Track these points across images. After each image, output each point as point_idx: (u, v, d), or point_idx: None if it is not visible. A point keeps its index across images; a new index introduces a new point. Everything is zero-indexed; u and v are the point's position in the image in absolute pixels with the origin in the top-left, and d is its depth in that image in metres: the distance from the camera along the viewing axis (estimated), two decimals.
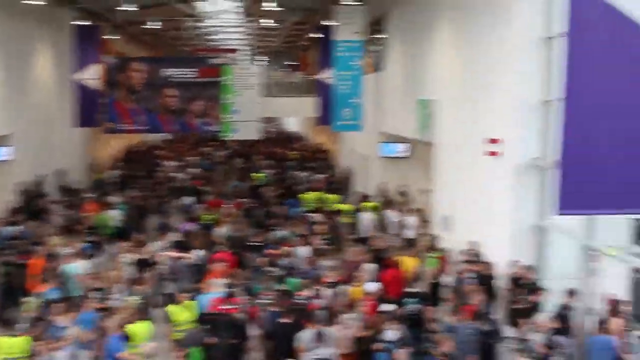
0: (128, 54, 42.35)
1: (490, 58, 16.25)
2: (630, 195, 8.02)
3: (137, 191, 26.34)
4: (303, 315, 11.69)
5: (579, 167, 7.97)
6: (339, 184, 31.16)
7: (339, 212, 22.72)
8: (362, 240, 19.28)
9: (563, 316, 12.26)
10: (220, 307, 12.21)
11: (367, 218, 21.71)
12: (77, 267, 15.42)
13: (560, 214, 8.05)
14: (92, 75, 30.80)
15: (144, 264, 15.88)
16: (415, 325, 12.87)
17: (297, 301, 12.75)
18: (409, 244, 17.78)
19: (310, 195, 25.20)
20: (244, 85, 32.42)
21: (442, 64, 20.25)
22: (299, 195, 25.46)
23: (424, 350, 13.11)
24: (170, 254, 16.60)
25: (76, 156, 34.60)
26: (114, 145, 45.85)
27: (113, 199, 24.18)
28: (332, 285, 13.95)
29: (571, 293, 12.72)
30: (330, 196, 25.11)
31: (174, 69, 32.05)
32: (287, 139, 57.87)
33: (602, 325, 11.56)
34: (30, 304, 11.83)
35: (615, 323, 11.70)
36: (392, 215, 21.84)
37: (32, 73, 28.31)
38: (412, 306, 13.31)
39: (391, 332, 11.40)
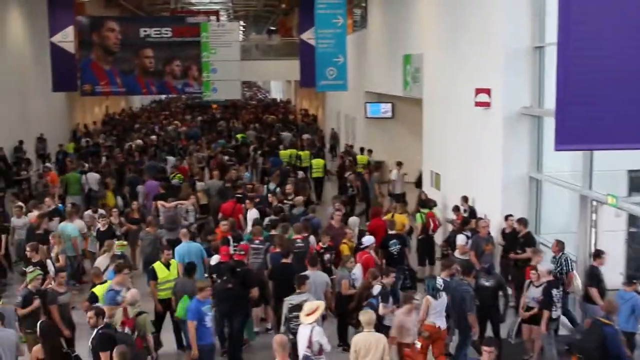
0: None
1: (476, 6, 15.68)
2: (626, 129, 7.97)
3: (111, 160, 25.61)
4: (302, 257, 11.78)
5: (576, 104, 7.86)
6: (323, 145, 31.09)
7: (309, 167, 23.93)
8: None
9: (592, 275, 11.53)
10: (227, 255, 12.18)
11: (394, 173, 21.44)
12: (74, 228, 15.18)
13: (558, 150, 7.94)
14: (68, 38, 29.80)
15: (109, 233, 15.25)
16: (398, 264, 13.40)
17: (296, 244, 12.98)
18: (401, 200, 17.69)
19: (286, 152, 25.94)
20: (222, 43, 31.60)
21: (426, 17, 19.67)
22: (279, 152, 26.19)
23: (407, 286, 13.38)
24: (165, 203, 16.68)
25: (56, 123, 33.83)
26: (97, 113, 45.22)
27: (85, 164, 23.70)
28: (327, 250, 13.45)
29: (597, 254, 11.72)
30: (302, 152, 25.71)
31: (150, 28, 31.24)
32: (270, 104, 57.72)
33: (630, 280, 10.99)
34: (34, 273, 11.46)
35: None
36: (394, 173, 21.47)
37: (5, 37, 27.39)
38: (394, 247, 13.73)
39: (377, 287, 10.98)
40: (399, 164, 21.12)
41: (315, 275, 11.09)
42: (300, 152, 25.94)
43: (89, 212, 16.72)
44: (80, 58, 30.78)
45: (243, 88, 44.20)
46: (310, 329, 9.24)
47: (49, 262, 12.74)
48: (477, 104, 15.07)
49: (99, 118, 44.55)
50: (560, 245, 12.21)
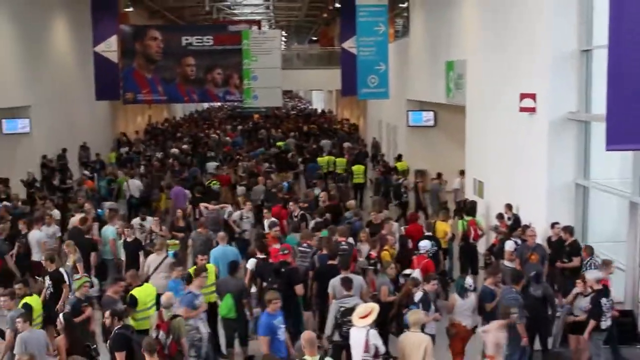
0: None
1: (521, 10, 15.37)
2: None
3: (151, 167, 25.68)
4: (347, 259, 11.60)
5: (628, 102, 7.69)
6: (364, 153, 31.22)
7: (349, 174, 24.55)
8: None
9: None
10: (277, 256, 12.20)
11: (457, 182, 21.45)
12: (113, 230, 15.15)
13: (609, 150, 7.88)
14: (111, 48, 30.09)
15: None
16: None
17: (341, 247, 12.87)
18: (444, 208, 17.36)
19: (324, 159, 26.43)
20: (263, 50, 31.66)
21: (470, 22, 19.40)
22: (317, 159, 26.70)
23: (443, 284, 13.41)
24: (209, 205, 17.06)
25: (100, 131, 34.17)
26: (140, 122, 45.63)
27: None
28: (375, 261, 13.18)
29: None
30: (338, 159, 26.18)
31: (192, 36, 31.47)
32: (312, 114, 57.86)
33: None
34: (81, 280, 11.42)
35: None
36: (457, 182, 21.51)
37: (50, 45, 27.74)
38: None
39: (419, 294, 10.73)
40: (462, 172, 20.94)
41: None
42: (337, 159, 26.11)
43: (137, 219, 16.37)
44: (122, 67, 31.08)
45: (284, 98, 44.19)
46: (366, 332, 9.13)
47: (63, 270, 12.24)
48: (522, 109, 14.75)
49: (141, 127, 44.90)
50: (588, 250, 12.20)
